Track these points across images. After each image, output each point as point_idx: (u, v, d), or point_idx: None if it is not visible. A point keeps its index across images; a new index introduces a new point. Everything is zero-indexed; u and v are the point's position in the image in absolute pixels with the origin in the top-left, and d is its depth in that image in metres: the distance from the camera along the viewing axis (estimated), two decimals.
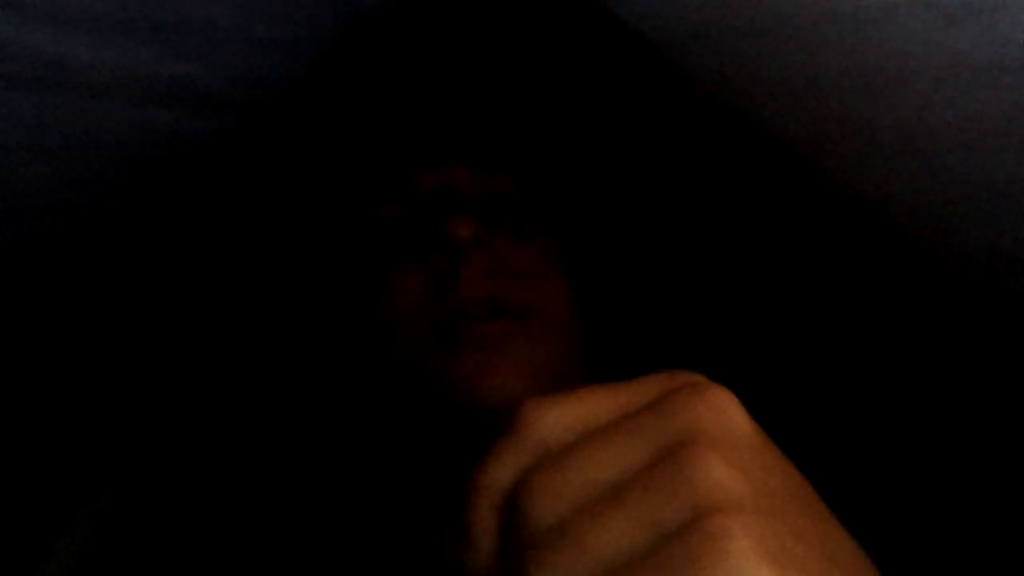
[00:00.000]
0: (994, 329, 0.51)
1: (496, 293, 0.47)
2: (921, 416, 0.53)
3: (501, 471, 0.25)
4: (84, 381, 0.60)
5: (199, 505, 0.53)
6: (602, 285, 0.54)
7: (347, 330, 0.54)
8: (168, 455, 0.59)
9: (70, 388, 0.59)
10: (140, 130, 0.42)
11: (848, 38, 0.34)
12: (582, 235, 0.53)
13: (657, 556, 0.21)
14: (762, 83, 0.40)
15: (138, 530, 0.55)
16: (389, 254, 0.50)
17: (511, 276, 0.48)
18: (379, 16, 0.52)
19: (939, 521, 0.47)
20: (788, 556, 0.21)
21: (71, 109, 0.37)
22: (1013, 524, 0.47)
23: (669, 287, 0.58)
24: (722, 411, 0.23)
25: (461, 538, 0.26)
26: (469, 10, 0.55)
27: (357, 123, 0.54)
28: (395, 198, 0.51)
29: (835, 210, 0.51)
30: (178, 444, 0.60)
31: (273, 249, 0.63)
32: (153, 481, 0.58)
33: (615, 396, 0.25)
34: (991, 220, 0.39)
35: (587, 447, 0.24)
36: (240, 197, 0.60)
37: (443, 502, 0.48)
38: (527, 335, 0.47)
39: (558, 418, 0.25)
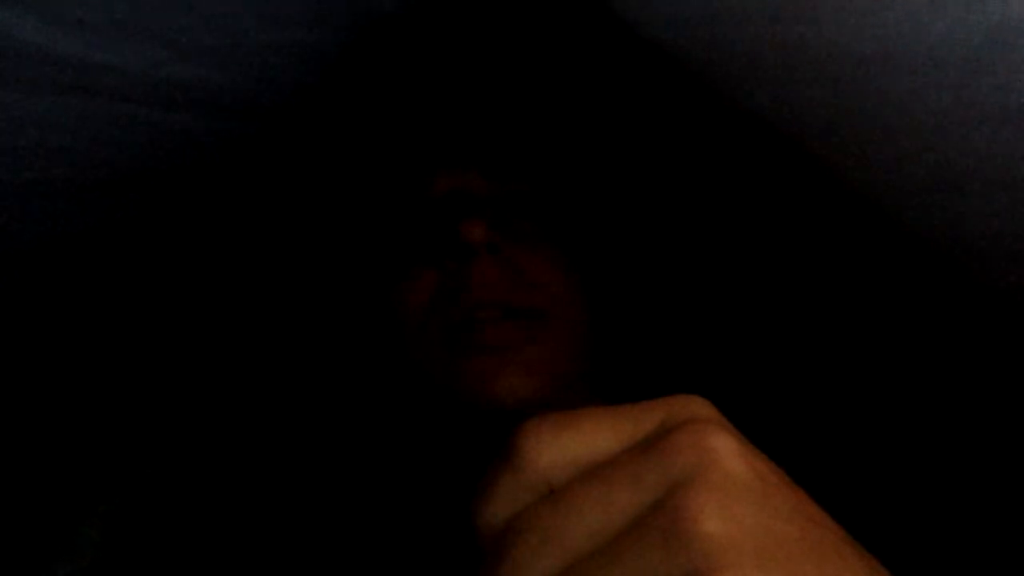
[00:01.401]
0: (990, 323, 0.51)
1: (507, 297, 0.47)
2: (927, 416, 0.53)
3: (499, 506, 0.24)
4: (100, 379, 0.61)
5: (210, 506, 0.54)
6: (614, 292, 0.54)
7: (361, 331, 0.54)
8: (180, 452, 0.60)
9: (85, 386, 0.60)
10: (153, 132, 0.42)
11: (839, 24, 0.33)
12: (595, 242, 0.53)
13: None
14: (755, 71, 0.40)
15: (149, 529, 0.56)
16: (403, 256, 0.51)
17: (522, 281, 0.48)
18: (395, 20, 0.52)
19: (940, 522, 0.47)
20: None
21: (83, 111, 0.38)
22: (1014, 524, 0.46)
23: (680, 294, 0.58)
24: (722, 454, 0.22)
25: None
26: (485, 16, 0.55)
27: (373, 127, 0.54)
28: (410, 201, 0.51)
29: (846, 212, 0.50)
30: (191, 442, 0.60)
31: (288, 251, 0.63)
32: (165, 480, 0.58)
33: (615, 426, 0.24)
34: (986, 205, 0.39)
35: (584, 491, 0.23)
36: (255, 199, 0.60)
37: (452, 502, 0.48)
38: (537, 339, 0.48)
39: (558, 452, 0.24)
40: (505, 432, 0.48)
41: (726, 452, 0.23)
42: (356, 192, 0.55)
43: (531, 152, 0.52)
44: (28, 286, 0.47)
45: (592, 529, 0.22)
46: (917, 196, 0.41)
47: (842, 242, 0.55)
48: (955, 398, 0.53)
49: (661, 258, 0.57)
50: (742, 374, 0.54)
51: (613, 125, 0.56)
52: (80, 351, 0.59)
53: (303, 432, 0.55)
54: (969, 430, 0.52)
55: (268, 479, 0.53)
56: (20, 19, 0.31)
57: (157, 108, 0.40)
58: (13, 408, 0.55)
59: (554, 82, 0.54)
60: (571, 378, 0.49)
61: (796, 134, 0.45)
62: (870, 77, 0.35)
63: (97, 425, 0.60)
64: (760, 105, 0.44)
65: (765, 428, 0.50)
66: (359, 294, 0.54)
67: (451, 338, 0.47)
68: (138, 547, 0.55)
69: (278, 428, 0.57)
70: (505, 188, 0.51)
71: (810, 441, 0.50)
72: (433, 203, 0.50)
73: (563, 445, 0.24)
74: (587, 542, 0.22)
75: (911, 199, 0.41)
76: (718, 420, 0.24)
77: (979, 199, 0.38)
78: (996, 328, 0.51)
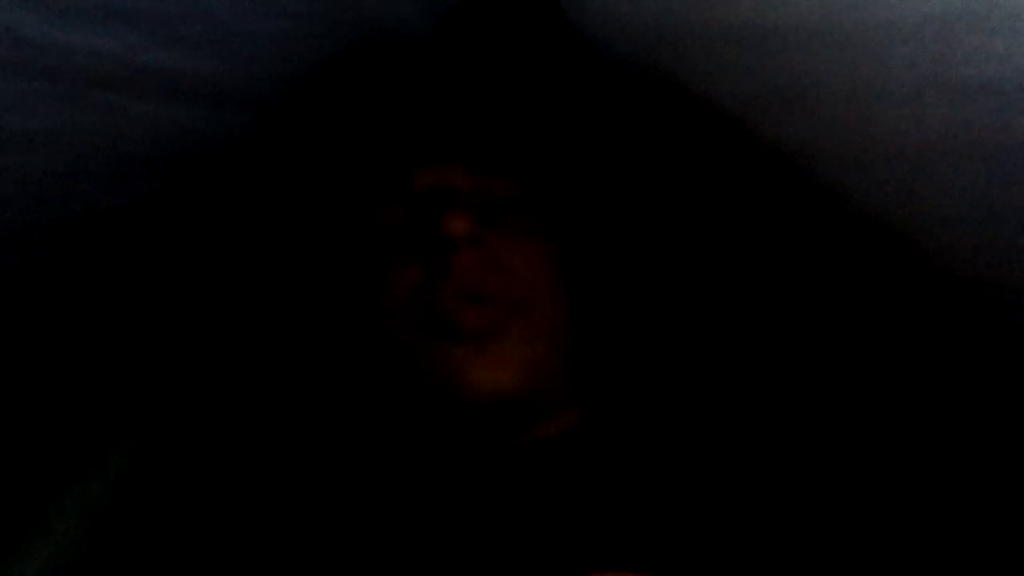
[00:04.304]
0: (988, 338, 0.52)
1: (487, 286, 0.48)
2: (916, 419, 0.54)
3: None
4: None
5: (208, 490, 0.54)
6: (598, 285, 0.55)
7: (345, 323, 0.54)
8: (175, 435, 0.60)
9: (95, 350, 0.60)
10: (133, 120, 0.42)
11: (842, 46, 0.34)
12: (578, 234, 0.54)
13: None
14: (754, 90, 0.40)
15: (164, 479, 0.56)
16: (387, 250, 0.51)
17: (504, 273, 0.49)
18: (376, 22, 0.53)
19: (939, 521, 0.48)
20: None
21: (77, 101, 0.37)
22: (1012, 524, 0.47)
23: (664, 288, 0.58)
24: None
25: None
26: (465, 14, 0.55)
27: (356, 125, 0.55)
28: (394, 197, 0.52)
29: (826, 216, 0.51)
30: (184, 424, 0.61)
31: (271, 242, 0.63)
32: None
33: None
34: (986, 227, 0.39)
35: None
36: (237, 191, 0.60)
37: (431, 489, 0.48)
38: (517, 330, 0.48)
39: None
40: (482, 422, 0.49)
41: None
42: (342, 189, 0.55)
43: (512, 146, 0.53)
44: (20, 272, 0.46)
45: None
46: (880, 170, 0.42)
47: (821, 249, 0.56)
48: (948, 400, 0.54)
49: (645, 251, 0.58)
50: (727, 371, 0.55)
51: (595, 119, 0.56)
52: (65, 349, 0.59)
53: (290, 421, 0.56)
54: (962, 432, 0.53)
55: (256, 459, 0.53)
56: (7, 5, 0.31)
57: (136, 95, 0.40)
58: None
59: (534, 76, 0.54)
60: (551, 370, 0.49)
61: (760, 115, 0.45)
62: (872, 99, 0.35)
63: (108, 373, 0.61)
64: (757, 122, 0.45)
65: (747, 422, 0.52)
66: (342, 286, 0.54)
67: (430, 325, 0.48)
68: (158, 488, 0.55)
69: (260, 417, 0.57)
70: (488, 183, 0.51)
71: (794, 433, 0.51)
72: (417, 199, 0.51)
73: None
74: None
75: (875, 174, 0.42)
76: None
77: (943, 173, 0.39)
78: (961, 312, 0.51)
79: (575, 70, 0.54)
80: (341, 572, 0.46)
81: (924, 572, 0.45)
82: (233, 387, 0.62)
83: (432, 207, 0.49)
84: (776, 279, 0.59)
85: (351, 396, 0.55)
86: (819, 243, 0.56)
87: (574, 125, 0.55)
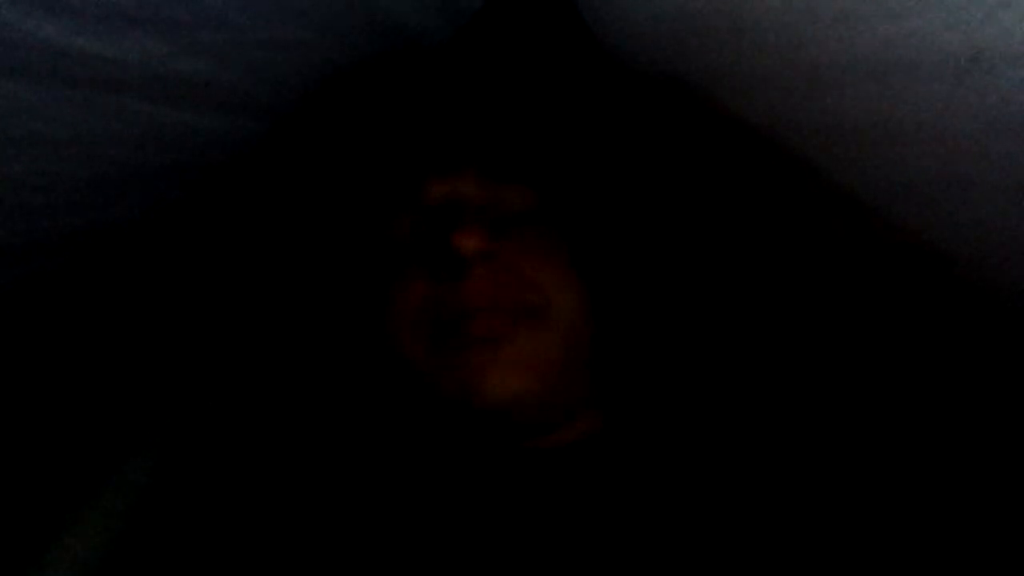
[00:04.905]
0: (987, 331, 0.51)
1: (499, 300, 0.47)
2: (921, 420, 0.53)
3: None
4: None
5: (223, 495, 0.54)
6: (615, 290, 0.54)
7: (358, 333, 0.54)
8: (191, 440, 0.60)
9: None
10: (150, 126, 0.42)
11: (846, 33, 0.34)
12: (594, 240, 0.53)
13: None
14: (756, 79, 0.40)
15: (183, 492, 0.56)
16: (399, 264, 0.51)
17: (517, 280, 0.49)
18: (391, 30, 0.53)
19: (939, 521, 0.47)
20: None
21: (83, 103, 0.37)
22: (1012, 524, 0.47)
23: (681, 292, 0.58)
24: None
25: None
26: (483, 22, 0.55)
27: (368, 136, 0.55)
28: (407, 210, 0.52)
29: (833, 214, 0.51)
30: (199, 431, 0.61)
31: (288, 257, 0.63)
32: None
33: None
34: (986, 210, 0.39)
35: None
36: (251, 199, 0.60)
37: (448, 496, 0.48)
38: (529, 334, 0.47)
39: None
40: (497, 428, 0.48)
41: None
42: (352, 198, 0.56)
43: (524, 154, 0.53)
44: (23, 276, 0.47)
45: None
46: (904, 197, 0.41)
47: (824, 239, 0.56)
48: (952, 397, 0.53)
49: (662, 254, 0.58)
50: (742, 369, 0.55)
51: (607, 125, 0.56)
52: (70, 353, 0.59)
53: (303, 430, 0.55)
54: (965, 433, 0.52)
55: (270, 470, 0.53)
56: (20, 9, 0.32)
57: (155, 102, 0.40)
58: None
59: (545, 84, 0.54)
60: (567, 375, 0.49)
61: (783, 138, 0.45)
62: (879, 83, 0.35)
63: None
64: (747, 112, 0.45)
65: (762, 422, 0.51)
66: (355, 296, 0.54)
67: (441, 336, 0.48)
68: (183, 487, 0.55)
69: (273, 427, 0.57)
70: (501, 192, 0.51)
71: (814, 438, 0.50)
72: (429, 211, 0.51)
73: None
74: None
75: (896, 200, 0.42)
76: None
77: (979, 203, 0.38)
78: (988, 330, 0.51)
79: (591, 76, 0.54)
80: None
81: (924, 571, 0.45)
82: (248, 397, 0.62)
83: (444, 221, 0.49)
84: (791, 282, 0.59)
85: (366, 405, 0.54)
86: (832, 249, 0.56)
87: (588, 131, 0.55)
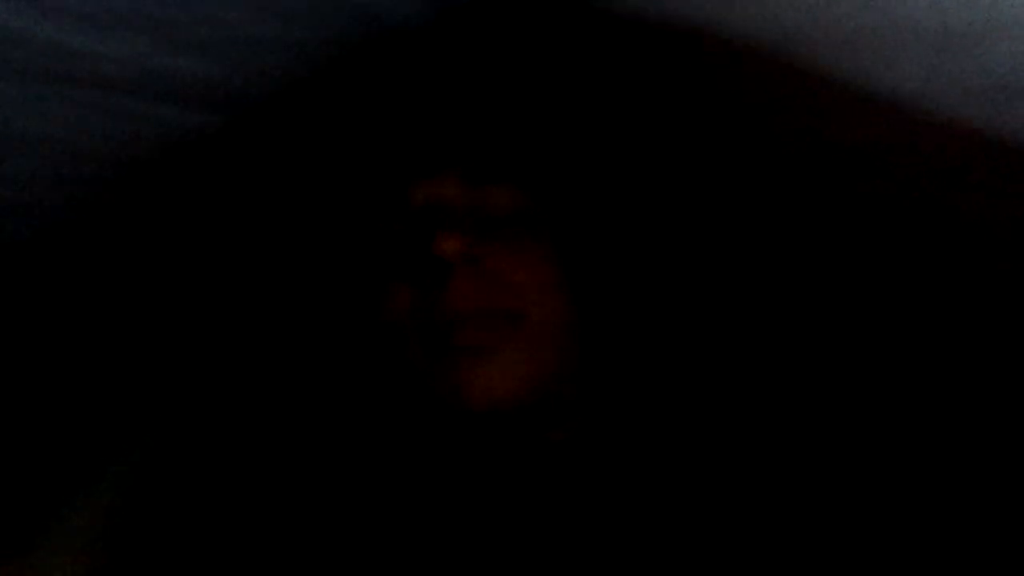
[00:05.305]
0: (987, 331, 0.52)
1: (483, 302, 0.47)
2: (920, 414, 0.54)
3: None
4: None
5: (211, 500, 0.53)
6: (603, 292, 0.54)
7: (343, 339, 0.54)
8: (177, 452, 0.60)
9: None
10: (140, 123, 0.42)
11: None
12: (580, 244, 0.53)
13: None
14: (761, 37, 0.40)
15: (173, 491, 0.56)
16: (384, 266, 0.51)
17: (502, 287, 0.48)
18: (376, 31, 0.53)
19: (940, 520, 0.47)
20: None
21: (73, 100, 0.37)
22: (1013, 524, 0.47)
23: (670, 293, 0.58)
24: None
25: None
26: (458, 23, 0.55)
27: (350, 140, 0.55)
28: (391, 214, 0.51)
29: (837, 225, 0.51)
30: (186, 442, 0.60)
31: (267, 251, 0.63)
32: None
33: None
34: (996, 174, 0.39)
35: None
36: (236, 198, 0.60)
37: (440, 497, 0.48)
38: (516, 341, 0.47)
39: None
40: (483, 434, 0.48)
41: None
42: (336, 205, 0.55)
43: (508, 156, 0.52)
44: (13, 273, 0.46)
45: None
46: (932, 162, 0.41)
47: (823, 239, 0.56)
48: (949, 402, 0.54)
49: (651, 256, 0.57)
50: (734, 378, 0.55)
51: (591, 125, 0.56)
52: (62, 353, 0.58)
53: (292, 437, 0.55)
54: (968, 426, 0.53)
55: (261, 476, 0.53)
56: (9, 6, 0.31)
57: (145, 99, 0.40)
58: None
59: (528, 84, 0.54)
60: (556, 378, 0.49)
61: (776, 115, 0.45)
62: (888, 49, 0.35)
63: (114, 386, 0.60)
64: (743, 88, 0.45)
65: (753, 426, 0.51)
66: (341, 301, 0.54)
67: (429, 342, 0.48)
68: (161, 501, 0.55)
69: (268, 431, 0.57)
70: (484, 195, 0.51)
71: (807, 438, 0.51)
72: (412, 215, 0.50)
73: None
74: None
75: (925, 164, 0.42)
76: None
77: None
78: (988, 330, 0.52)
79: (579, 68, 0.54)
80: None
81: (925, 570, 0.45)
82: (238, 400, 0.61)
83: (427, 225, 0.49)
84: (782, 282, 0.59)
85: (357, 408, 0.54)
86: (832, 249, 0.56)
87: (578, 125, 0.55)
